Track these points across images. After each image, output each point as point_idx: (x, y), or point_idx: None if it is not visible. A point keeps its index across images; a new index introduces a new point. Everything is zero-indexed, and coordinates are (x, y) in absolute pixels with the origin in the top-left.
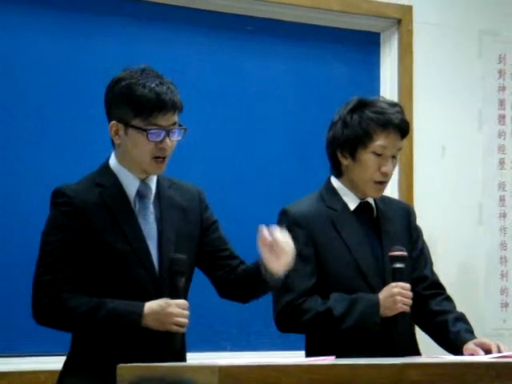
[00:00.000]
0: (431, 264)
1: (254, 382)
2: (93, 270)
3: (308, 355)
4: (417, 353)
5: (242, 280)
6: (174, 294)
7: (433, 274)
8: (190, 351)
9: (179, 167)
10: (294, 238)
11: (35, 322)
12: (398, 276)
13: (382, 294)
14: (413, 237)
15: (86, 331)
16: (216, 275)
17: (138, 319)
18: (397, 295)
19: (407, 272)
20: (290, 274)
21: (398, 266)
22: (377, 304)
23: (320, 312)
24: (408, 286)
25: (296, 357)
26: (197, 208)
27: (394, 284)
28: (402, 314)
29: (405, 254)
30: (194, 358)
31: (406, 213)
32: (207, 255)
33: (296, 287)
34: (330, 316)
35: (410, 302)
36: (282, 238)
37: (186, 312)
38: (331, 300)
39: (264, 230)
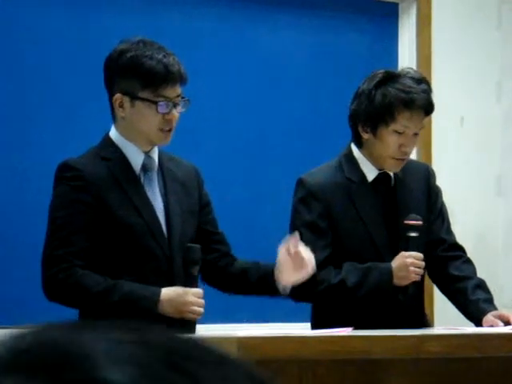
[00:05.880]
0: (449, 225)
1: (272, 353)
2: (105, 243)
3: (314, 326)
4: (424, 321)
5: (236, 276)
6: (189, 283)
7: (450, 235)
8: (207, 323)
9: (194, 139)
10: (310, 210)
11: (46, 298)
12: (411, 245)
13: (395, 264)
14: (431, 198)
15: (98, 312)
16: (205, 258)
17: (154, 305)
18: (410, 265)
19: (421, 241)
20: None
21: (412, 234)
22: (390, 273)
23: (334, 283)
24: (421, 255)
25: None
26: (195, 183)
27: (406, 254)
28: (413, 282)
29: (420, 222)
30: (211, 330)
31: (425, 174)
32: (203, 234)
33: None
34: (344, 287)
35: (421, 271)
36: (306, 253)
37: (202, 301)
38: (343, 270)
39: (293, 239)
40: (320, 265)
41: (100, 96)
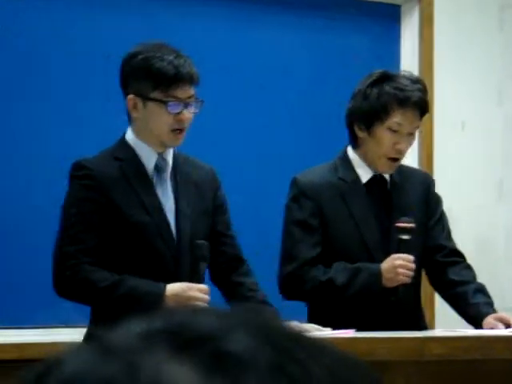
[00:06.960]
0: (448, 232)
1: None
2: (113, 242)
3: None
4: (420, 324)
5: (233, 291)
6: (196, 279)
7: (450, 241)
8: None
9: (193, 139)
10: (301, 208)
11: (55, 294)
12: (402, 247)
13: (384, 265)
14: (430, 206)
15: (105, 306)
16: (214, 259)
17: (159, 299)
18: (398, 267)
19: (414, 244)
20: (294, 244)
21: (404, 237)
22: (378, 274)
23: (322, 282)
24: (411, 258)
25: None
26: (210, 185)
27: (396, 256)
28: (404, 284)
29: (412, 225)
30: None
31: (424, 182)
32: (213, 235)
33: (300, 257)
34: (332, 286)
35: (411, 273)
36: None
37: (207, 297)
38: (333, 270)
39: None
40: (310, 263)
41: (118, 98)
